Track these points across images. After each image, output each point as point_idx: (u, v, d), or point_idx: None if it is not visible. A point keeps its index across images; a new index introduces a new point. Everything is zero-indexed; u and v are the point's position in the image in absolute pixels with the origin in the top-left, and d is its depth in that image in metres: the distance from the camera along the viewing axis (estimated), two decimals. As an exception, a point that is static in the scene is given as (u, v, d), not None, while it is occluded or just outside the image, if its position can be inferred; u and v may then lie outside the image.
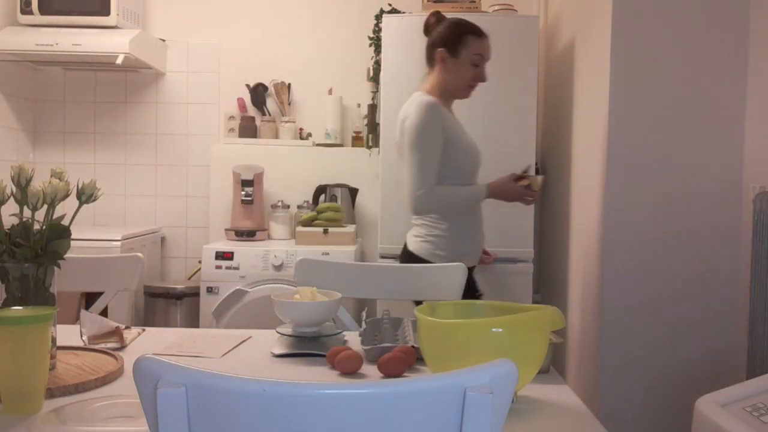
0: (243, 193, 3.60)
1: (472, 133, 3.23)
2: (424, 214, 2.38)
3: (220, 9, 3.94)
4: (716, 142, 2.36)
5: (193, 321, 3.49)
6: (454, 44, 2.35)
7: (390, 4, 3.66)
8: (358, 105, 3.86)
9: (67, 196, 1.39)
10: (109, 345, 1.61)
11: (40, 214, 1.37)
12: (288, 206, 3.68)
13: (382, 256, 3.09)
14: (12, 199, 1.35)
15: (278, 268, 3.25)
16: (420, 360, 1.47)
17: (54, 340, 1.36)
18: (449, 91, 2.40)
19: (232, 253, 3.30)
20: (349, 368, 1.42)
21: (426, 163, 2.28)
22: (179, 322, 3.51)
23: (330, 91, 3.82)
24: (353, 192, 3.74)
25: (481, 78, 2.40)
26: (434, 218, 2.39)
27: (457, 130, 2.38)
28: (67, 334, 1.65)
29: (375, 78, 3.67)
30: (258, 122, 3.86)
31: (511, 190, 2.37)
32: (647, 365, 2.38)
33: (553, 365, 1.52)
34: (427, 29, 2.45)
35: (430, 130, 2.29)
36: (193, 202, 3.96)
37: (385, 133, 3.10)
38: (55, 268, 1.37)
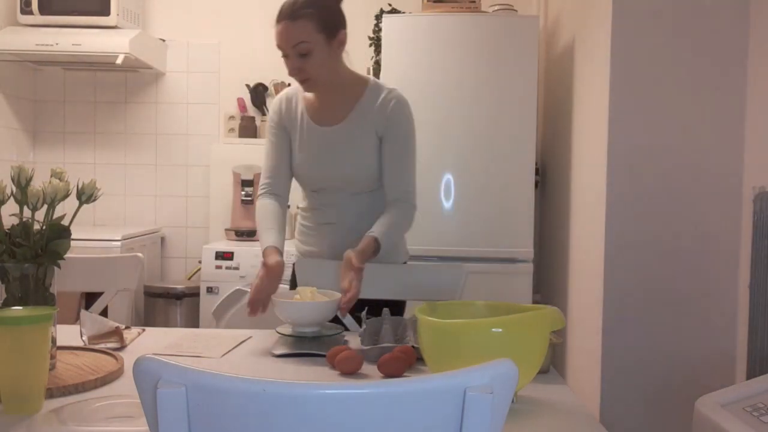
0: (243, 193, 3.61)
1: (472, 133, 3.23)
2: None
3: (220, 9, 3.94)
4: (716, 142, 2.36)
5: (193, 321, 3.49)
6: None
7: (390, 4, 3.66)
8: (358, 105, 3.86)
9: (67, 196, 1.39)
10: (109, 345, 1.61)
11: (40, 214, 1.37)
12: (288, 206, 3.67)
13: (382, 256, 3.09)
14: (12, 199, 1.35)
15: (278, 268, 3.25)
16: (420, 360, 1.47)
17: (54, 340, 1.36)
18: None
19: (232, 253, 3.30)
20: (349, 368, 1.42)
21: (265, 160, 2.15)
22: (179, 322, 3.51)
23: (330, 91, 3.82)
24: (353, 192, 3.74)
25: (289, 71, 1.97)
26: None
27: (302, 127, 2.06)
28: (67, 334, 1.65)
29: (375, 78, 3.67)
30: (258, 122, 3.86)
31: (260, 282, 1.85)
32: (647, 365, 2.38)
33: (553, 365, 1.52)
34: None
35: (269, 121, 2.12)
36: (193, 202, 3.96)
37: (385, 133, 3.10)
38: (55, 268, 1.37)
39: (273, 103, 2.14)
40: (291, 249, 3.33)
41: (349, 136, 2.03)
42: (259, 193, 2.18)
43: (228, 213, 3.73)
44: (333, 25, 1.97)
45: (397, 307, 1.98)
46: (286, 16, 1.92)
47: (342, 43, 2.00)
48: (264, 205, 2.16)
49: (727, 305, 2.36)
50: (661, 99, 2.36)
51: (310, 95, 2.07)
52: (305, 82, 1.98)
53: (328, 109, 2.06)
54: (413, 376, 1.38)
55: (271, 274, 1.88)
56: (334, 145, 2.04)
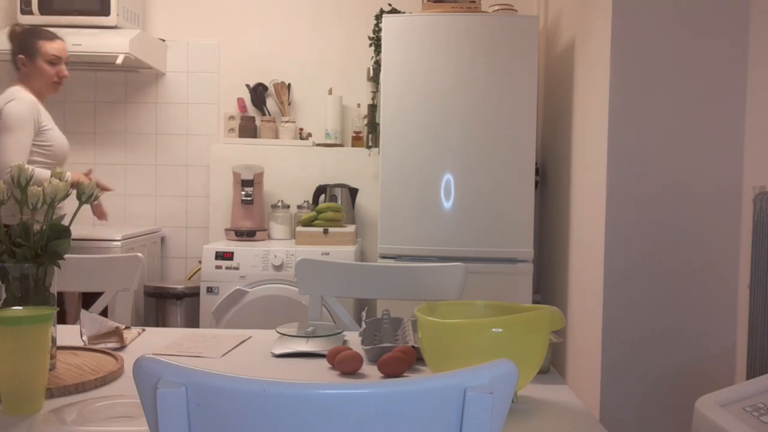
0: (243, 193, 3.61)
1: (472, 133, 3.25)
2: None
3: (220, 9, 3.94)
4: (716, 143, 2.36)
5: (193, 321, 3.49)
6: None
7: (390, 4, 3.66)
8: (358, 105, 3.86)
9: (67, 196, 1.39)
10: (109, 345, 1.61)
11: (41, 215, 1.37)
12: (288, 206, 3.68)
13: (382, 256, 3.10)
14: (12, 199, 1.35)
15: (278, 268, 3.25)
16: (420, 360, 1.47)
17: (54, 340, 1.36)
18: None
19: (232, 253, 3.30)
20: (349, 368, 1.42)
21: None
22: (179, 322, 3.51)
23: (330, 91, 3.82)
24: (353, 192, 3.74)
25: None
26: None
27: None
28: (67, 334, 1.65)
29: (375, 78, 3.67)
30: (258, 122, 3.87)
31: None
32: (647, 365, 2.38)
33: (553, 365, 1.52)
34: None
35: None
36: (193, 202, 3.96)
37: (385, 133, 3.10)
38: (55, 268, 1.37)
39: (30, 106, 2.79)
40: (291, 249, 3.35)
41: None
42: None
43: (228, 213, 3.73)
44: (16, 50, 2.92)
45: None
46: (59, 37, 2.90)
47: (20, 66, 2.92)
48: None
49: (727, 305, 2.36)
50: (661, 99, 2.36)
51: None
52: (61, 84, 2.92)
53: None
54: (413, 376, 1.38)
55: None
56: None
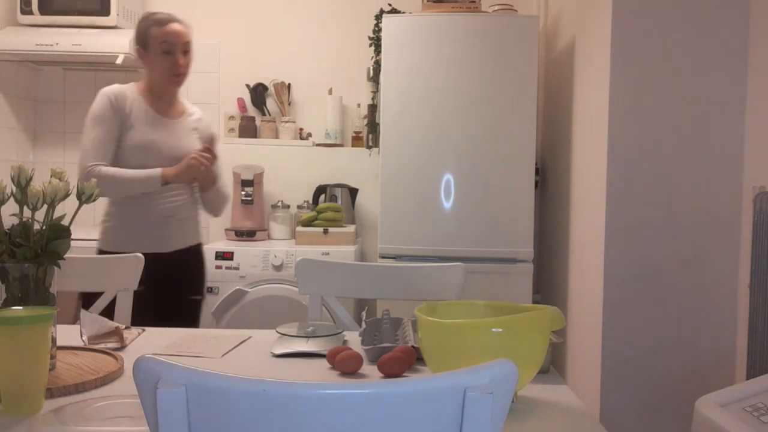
0: (243, 193, 3.61)
1: (472, 133, 3.23)
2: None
3: (220, 9, 3.94)
4: (716, 142, 2.36)
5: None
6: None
7: (390, 4, 3.67)
8: (358, 105, 3.86)
9: (67, 196, 1.39)
10: (109, 345, 1.61)
11: (40, 214, 1.37)
12: (288, 206, 3.68)
13: (382, 256, 3.10)
14: (12, 199, 1.35)
15: (278, 268, 3.25)
16: (420, 360, 1.47)
17: (54, 340, 1.36)
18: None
19: (232, 253, 3.30)
20: (349, 368, 1.42)
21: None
22: (179, 322, 3.50)
23: (330, 91, 3.82)
24: (353, 192, 3.74)
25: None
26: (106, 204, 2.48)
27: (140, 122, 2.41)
28: (67, 334, 1.66)
29: (375, 78, 3.67)
30: (258, 122, 3.87)
31: (183, 163, 2.37)
32: (647, 365, 2.38)
33: (553, 365, 1.52)
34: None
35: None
36: (193, 202, 3.95)
37: (386, 133, 3.10)
38: (55, 268, 1.37)
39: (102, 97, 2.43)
40: (291, 249, 3.35)
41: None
42: (90, 167, 2.31)
43: (228, 213, 3.73)
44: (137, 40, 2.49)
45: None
46: (174, 19, 2.41)
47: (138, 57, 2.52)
48: (106, 167, 2.33)
49: (727, 305, 2.36)
50: (661, 99, 2.37)
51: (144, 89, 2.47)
52: (182, 77, 2.44)
53: (169, 104, 2.49)
54: (413, 376, 1.38)
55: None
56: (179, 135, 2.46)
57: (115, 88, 2.43)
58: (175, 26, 2.40)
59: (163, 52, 2.38)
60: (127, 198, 2.38)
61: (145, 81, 2.48)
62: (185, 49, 2.42)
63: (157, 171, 2.34)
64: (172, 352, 1.56)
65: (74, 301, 2.96)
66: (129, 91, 2.44)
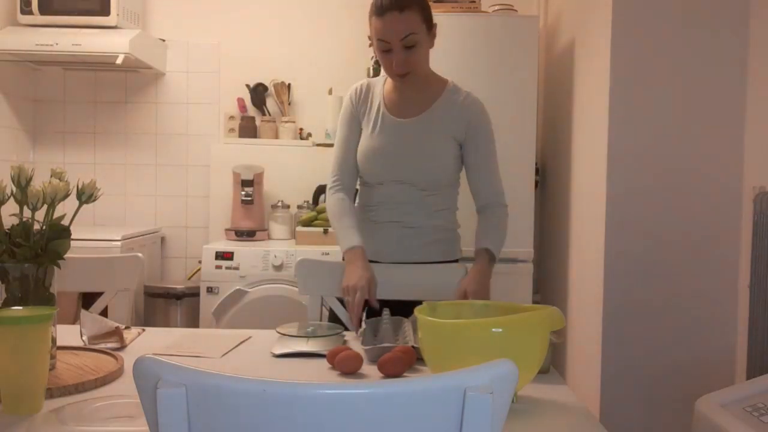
0: (243, 193, 3.61)
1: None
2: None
3: (220, 9, 3.94)
4: (716, 142, 2.36)
5: (193, 321, 3.49)
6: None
7: (390, 4, 3.66)
8: (358, 105, 3.86)
9: (67, 196, 1.39)
10: (109, 345, 1.61)
11: (40, 214, 1.37)
12: (288, 206, 3.68)
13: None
14: (12, 199, 1.35)
15: (278, 268, 3.25)
16: (420, 360, 1.47)
17: (54, 340, 1.36)
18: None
19: (232, 253, 3.30)
20: (349, 368, 1.42)
21: (335, 151, 2.18)
22: (179, 322, 3.51)
23: (330, 91, 3.82)
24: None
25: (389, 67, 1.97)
26: None
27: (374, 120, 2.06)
28: (67, 334, 1.65)
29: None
30: (258, 122, 3.87)
31: (351, 273, 1.90)
32: (647, 365, 2.38)
33: (553, 365, 1.52)
34: None
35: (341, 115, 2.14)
36: (193, 202, 3.96)
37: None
38: (55, 268, 1.37)
39: (349, 93, 2.13)
40: (291, 249, 3.34)
41: (425, 131, 2.03)
42: (330, 186, 2.16)
43: (228, 213, 3.73)
44: (431, 17, 1.97)
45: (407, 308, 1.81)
46: (392, 7, 1.89)
47: (434, 36, 2.02)
48: (341, 200, 2.13)
49: (727, 305, 2.36)
50: (661, 99, 2.36)
51: (389, 87, 2.08)
52: (406, 76, 1.96)
53: (407, 103, 2.06)
54: (413, 376, 1.38)
55: (371, 283, 1.90)
56: (409, 138, 2.03)
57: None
58: (393, 16, 1.90)
59: (381, 51, 1.97)
60: None
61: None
62: (407, 44, 1.92)
63: (350, 243, 1.99)
64: (172, 352, 1.56)
65: (74, 301, 2.97)
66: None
